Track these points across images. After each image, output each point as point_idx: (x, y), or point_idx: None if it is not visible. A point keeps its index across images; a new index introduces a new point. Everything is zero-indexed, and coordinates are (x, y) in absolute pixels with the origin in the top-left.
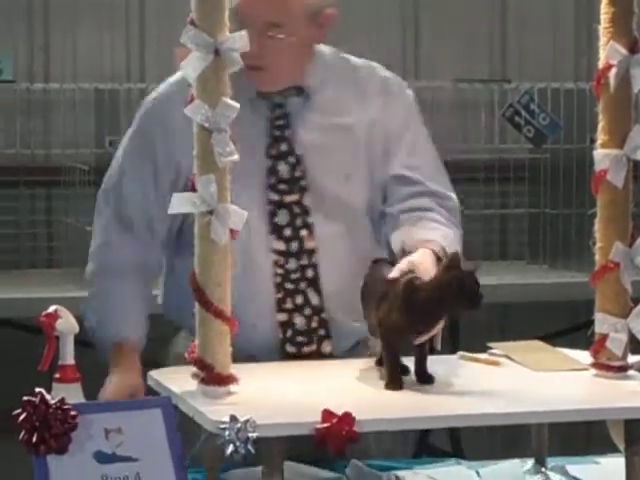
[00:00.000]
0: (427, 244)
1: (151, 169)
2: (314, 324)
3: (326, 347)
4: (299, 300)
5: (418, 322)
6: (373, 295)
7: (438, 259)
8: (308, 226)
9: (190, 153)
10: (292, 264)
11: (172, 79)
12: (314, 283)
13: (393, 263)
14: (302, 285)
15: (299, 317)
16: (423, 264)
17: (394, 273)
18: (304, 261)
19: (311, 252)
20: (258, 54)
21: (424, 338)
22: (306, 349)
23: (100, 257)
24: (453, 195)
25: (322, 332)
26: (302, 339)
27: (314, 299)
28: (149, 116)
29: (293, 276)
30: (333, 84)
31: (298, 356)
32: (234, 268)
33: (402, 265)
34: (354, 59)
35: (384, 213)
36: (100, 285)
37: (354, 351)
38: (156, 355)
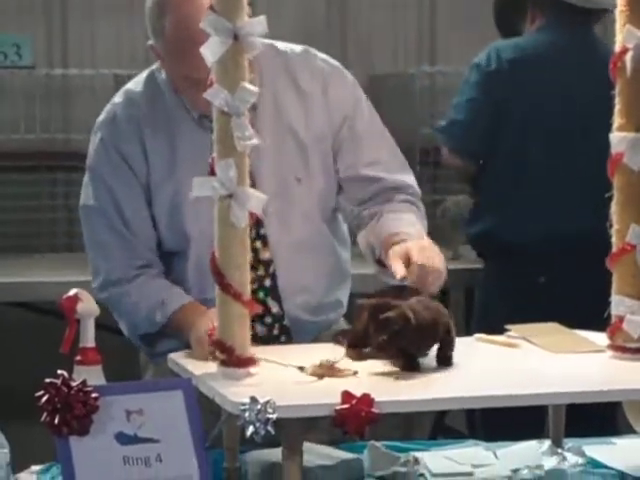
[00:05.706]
0: (394, 237)
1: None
2: (275, 331)
3: None
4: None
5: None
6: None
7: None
8: (262, 237)
9: None
10: None
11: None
12: (273, 291)
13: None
14: (261, 294)
15: (260, 326)
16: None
17: (400, 273)
18: (261, 272)
19: (267, 262)
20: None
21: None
22: None
23: None
24: (412, 182)
25: (283, 338)
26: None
27: (274, 307)
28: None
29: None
30: (271, 84)
31: None
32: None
33: (397, 264)
34: (284, 47)
35: (344, 207)
36: None
37: None
38: None
